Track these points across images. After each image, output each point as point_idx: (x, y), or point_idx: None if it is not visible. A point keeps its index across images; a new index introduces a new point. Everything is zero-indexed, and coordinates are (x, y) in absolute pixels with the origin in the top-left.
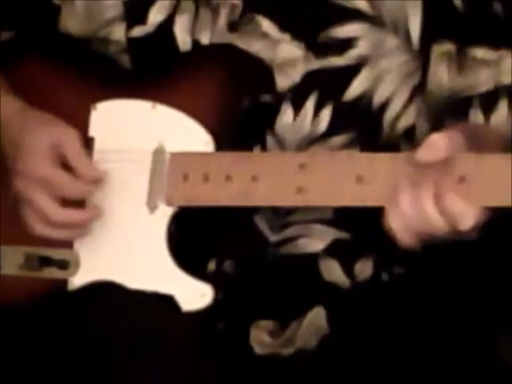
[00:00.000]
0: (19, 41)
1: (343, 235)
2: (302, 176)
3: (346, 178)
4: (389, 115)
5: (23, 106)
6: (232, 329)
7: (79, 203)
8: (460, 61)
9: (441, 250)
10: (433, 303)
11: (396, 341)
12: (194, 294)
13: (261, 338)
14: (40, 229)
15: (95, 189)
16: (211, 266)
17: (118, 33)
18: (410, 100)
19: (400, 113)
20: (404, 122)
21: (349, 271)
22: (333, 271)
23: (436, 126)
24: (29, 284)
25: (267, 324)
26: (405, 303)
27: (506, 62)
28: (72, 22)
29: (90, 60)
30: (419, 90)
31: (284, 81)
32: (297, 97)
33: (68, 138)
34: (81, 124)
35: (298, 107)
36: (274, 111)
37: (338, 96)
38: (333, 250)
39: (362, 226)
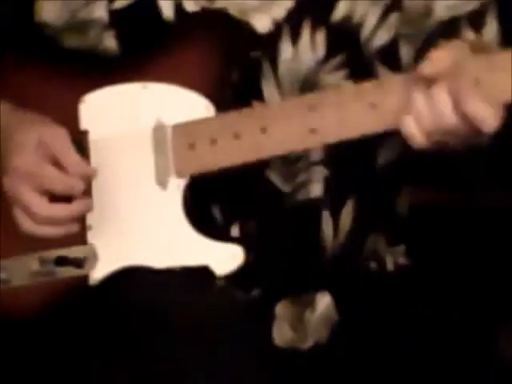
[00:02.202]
0: None
1: (331, 174)
2: (313, 117)
3: (359, 107)
4: (364, 34)
5: (12, 107)
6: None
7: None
8: None
9: (442, 250)
10: (434, 302)
11: (396, 339)
12: (224, 257)
13: (283, 330)
14: (27, 225)
15: (84, 184)
16: (234, 230)
17: (100, 10)
18: (383, 18)
19: (374, 31)
20: (378, 41)
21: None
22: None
23: (422, 48)
24: (41, 290)
25: (287, 311)
26: (406, 302)
27: None
28: (49, 9)
29: (68, 56)
30: (393, 8)
31: (279, 9)
32: (294, 23)
33: (55, 135)
34: (70, 120)
35: (295, 34)
36: (271, 52)
37: (327, 18)
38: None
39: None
